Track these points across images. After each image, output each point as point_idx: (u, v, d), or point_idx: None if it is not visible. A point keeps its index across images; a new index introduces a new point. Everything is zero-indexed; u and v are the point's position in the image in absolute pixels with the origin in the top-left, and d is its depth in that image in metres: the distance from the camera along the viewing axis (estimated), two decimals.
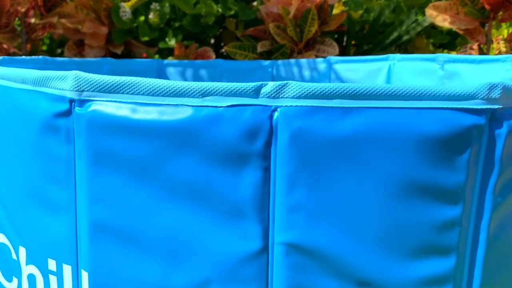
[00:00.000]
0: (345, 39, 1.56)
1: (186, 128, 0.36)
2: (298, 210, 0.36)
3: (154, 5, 1.39)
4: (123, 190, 0.38)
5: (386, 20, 1.52)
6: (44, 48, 1.44)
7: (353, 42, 1.58)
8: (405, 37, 1.50)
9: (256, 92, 0.35)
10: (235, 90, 0.37)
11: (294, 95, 0.36)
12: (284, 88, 0.36)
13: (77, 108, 0.38)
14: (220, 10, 1.42)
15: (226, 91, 0.37)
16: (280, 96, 0.35)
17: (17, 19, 1.41)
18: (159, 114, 0.38)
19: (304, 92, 0.36)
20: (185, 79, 1.11)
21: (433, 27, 1.62)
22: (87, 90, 0.40)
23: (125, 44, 1.45)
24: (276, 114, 0.35)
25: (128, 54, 1.46)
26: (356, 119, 0.35)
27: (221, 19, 1.45)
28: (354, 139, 0.35)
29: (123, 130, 0.37)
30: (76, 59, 0.96)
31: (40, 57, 0.87)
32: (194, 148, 0.37)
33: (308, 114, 0.36)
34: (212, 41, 1.59)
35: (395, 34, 1.52)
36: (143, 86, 0.39)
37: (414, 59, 0.97)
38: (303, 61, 1.09)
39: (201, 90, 0.37)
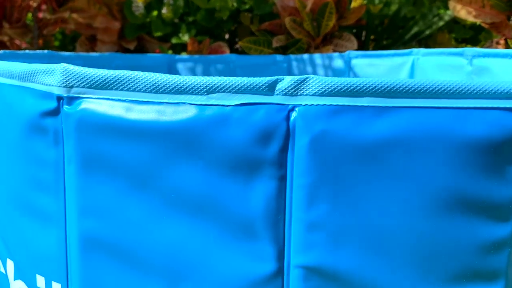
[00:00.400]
0: (363, 34, 1.49)
1: (188, 130, 0.31)
2: (318, 228, 0.30)
3: (167, 0, 1.34)
4: (117, 200, 0.33)
5: (407, 14, 1.44)
6: (57, 43, 1.40)
7: (372, 37, 1.51)
8: (427, 32, 1.42)
9: (270, 89, 0.29)
10: (246, 86, 0.31)
11: (315, 92, 0.30)
12: (303, 84, 0.30)
13: (65, 106, 0.33)
14: (235, 4, 1.36)
15: (236, 87, 0.31)
16: (299, 93, 0.29)
17: (29, 14, 1.37)
18: (158, 114, 0.32)
19: (328, 88, 0.30)
20: (196, 75, 1.05)
21: (455, 21, 1.54)
22: (77, 86, 0.34)
23: (138, 39, 1.40)
24: (294, 115, 0.29)
25: (141, 49, 1.41)
26: (390, 120, 0.28)
27: (235, 14, 1.39)
28: (386, 144, 0.29)
29: (117, 131, 0.32)
30: (83, 53, 0.91)
31: (45, 51, 0.82)
32: (197, 154, 0.31)
33: (333, 114, 0.30)
34: (227, 36, 1.53)
35: (416, 29, 1.44)
36: (139, 81, 0.33)
37: (439, 53, 0.90)
38: (319, 55, 1.03)
39: (206, 86, 0.32)
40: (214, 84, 0.32)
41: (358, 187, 0.30)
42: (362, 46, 1.43)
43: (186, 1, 1.33)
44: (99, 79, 0.34)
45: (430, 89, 0.30)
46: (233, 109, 0.30)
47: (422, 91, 0.30)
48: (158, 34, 1.33)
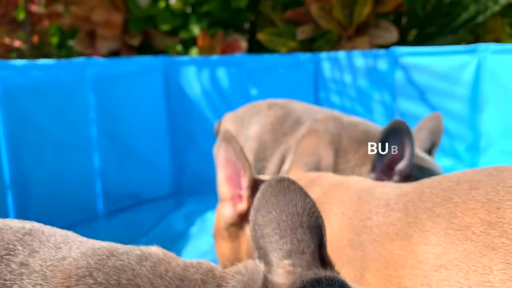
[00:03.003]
0: (403, 21, 1.20)
1: None
2: None
3: None
4: None
5: None
6: (55, 40, 1.17)
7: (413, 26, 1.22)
8: (479, 19, 1.13)
9: None
10: None
11: None
12: None
13: None
14: None
15: None
16: None
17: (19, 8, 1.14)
18: None
19: None
20: (201, 82, 0.80)
21: (510, 4, 1.23)
22: None
23: (143, 34, 1.15)
24: None
25: (147, 45, 1.16)
26: None
27: (255, 2, 1.13)
28: None
29: None
30: (43, 62, 0.68)
31: None
32: None
33: None
34: (246, 27, 1.27)
35: (465, 15, 1.15)
36: None
37: None
38: (355, 53, 0.76)
39: None
40: None
41: None
42: (402, 37, 1.15)
43: None
44: None
45: None
46: None
47: None
48: (166, 27, 1.08)
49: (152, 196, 0.84)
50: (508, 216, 0.30)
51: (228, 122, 0.68)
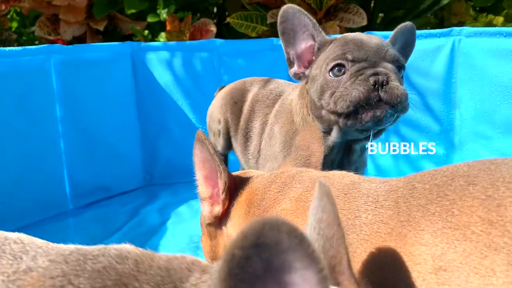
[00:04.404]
0: (371, 5, 1.18)
1: None
2: None
3: None
4: None
5: None
6: (15, 25, 1.08)
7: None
8: (445, 1, 1.11)
9: None
10: None
11: None
12: None
13: None
14: None
15: None
16: None
17: None
18: None
19: None
20: (171, 68, 0.75)
21: None
22: None
23: (109, 18, 1.08)
24: None
25: (112, 30, 1.08)
26: None
27: None
28: None
29: None
30: (7, 49, 0.61)
31: None
32: None
33: None
34: (215, 10, 1.21)
35: None
36: None
37: (493, 33, 0.60)
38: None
39: None
40: None
41: None
42: (369, 20, 1.11)
43: None
44: None
45: None
46: None
47: None
48: (132, 11, 1.01)
49: (123, 189, 0.79)
50: (510, 214, 0.27)
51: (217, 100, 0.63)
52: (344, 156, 0.51)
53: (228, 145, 0.64)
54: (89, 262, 0.23)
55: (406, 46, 0.51)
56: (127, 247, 0.25)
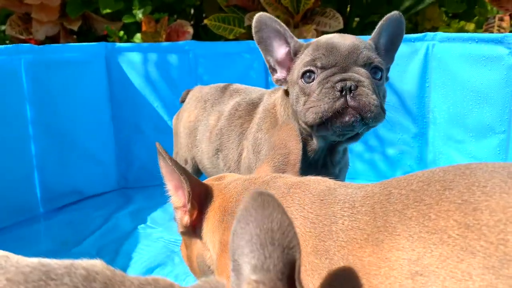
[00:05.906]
0: (348, 9, 1.18)
1: None
2: None
3: None
4: None
5: None
6: None
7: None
8: (420, 7, 1.12)
9: None
10: None
11: None
12: None
13: None
14: None
15: None
16: None
17: None
18: None
19: None
20: (146, 70, 0.73)
21: None
22: None
23: (83, 18, 1.05)
24: None
25: (87, 30, 1.05)
26: None
27: None
28: None
29: None
30: None
31: None
32: None
33: None
34: (192, 11, 1.19)
35: (406, 4, 1.14)
36: None
37: (465, 39, 0.61)
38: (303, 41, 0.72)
39: None
40: None
41: None
42: (346, 24, 1.12)
43: None
44: None
45: None
46: None
47: None
48: (107, 11, 0.99)
49: (97, 192, 0.76)
50: (486, 218, 0.27)
51: (192, 100, 0.62)
52: (327, 157, 0.50)
53: (197, 172, 0.63)
54: (51, 283, 0.21)
55: (393, 38, 0.49)
56: (97, 266, 0.22)
